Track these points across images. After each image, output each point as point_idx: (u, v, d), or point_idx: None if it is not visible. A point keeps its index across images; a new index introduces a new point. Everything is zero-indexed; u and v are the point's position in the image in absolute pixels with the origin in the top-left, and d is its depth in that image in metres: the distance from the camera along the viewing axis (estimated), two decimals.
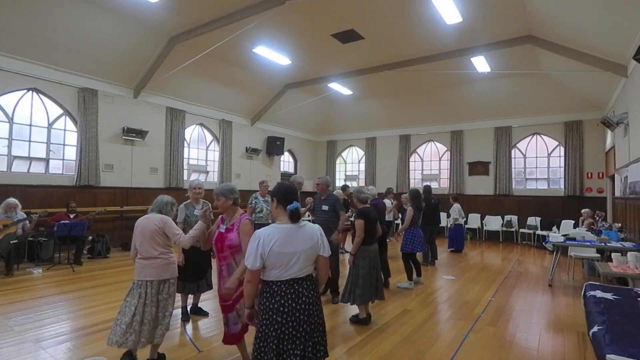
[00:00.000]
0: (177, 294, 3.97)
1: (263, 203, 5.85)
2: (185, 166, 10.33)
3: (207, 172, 11.18)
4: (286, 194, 2.13)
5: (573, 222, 9.56)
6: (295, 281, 2.01)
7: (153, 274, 2.83)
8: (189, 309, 4.10)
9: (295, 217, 2.06)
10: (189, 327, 3.82)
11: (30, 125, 7.48)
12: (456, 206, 8.95)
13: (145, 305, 2.78)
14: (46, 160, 7.71)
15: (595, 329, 2.60)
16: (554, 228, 9.81)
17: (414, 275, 5.79)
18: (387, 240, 6.34)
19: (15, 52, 6.96)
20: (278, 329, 1.94)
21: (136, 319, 2.72)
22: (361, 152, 14.88)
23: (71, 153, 8.06)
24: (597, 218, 7.96)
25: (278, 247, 1.96)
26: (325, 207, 4.62)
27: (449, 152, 12.50)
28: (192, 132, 10.79)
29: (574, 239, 6.03)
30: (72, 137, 8.08)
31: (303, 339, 1.97)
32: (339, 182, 15.24)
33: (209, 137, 11.33)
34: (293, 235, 2.02)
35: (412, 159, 13.39)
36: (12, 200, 6.21)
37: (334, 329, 3.81)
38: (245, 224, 2.59)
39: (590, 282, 3.93)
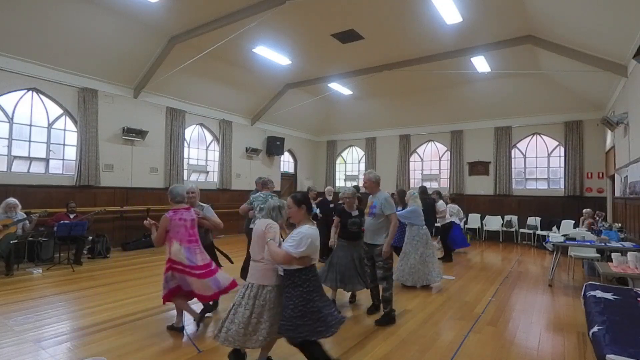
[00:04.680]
0: None
1: None
2: (185, 166, 10.33)
3: (207, 172, 11.18)
4: None
5: (573, 222, 9.56)
6: None
7: (254, 277, 2.77)
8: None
9: None
10: (189, 327, 3.82)
11: (30, 125, 7.48)
12: (454, 206, 8.90)
13: (239, 305, 2.73)
14: (46, 160, 7.71)
15: (595, 329, 2.60)
16: (554, 228, 9.80)
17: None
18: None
19: (15, 52, 6.96)
20: None
21: (229, 318, 2.74)
22: (361, 152, 14.88)
23: (71, 153, 8.06)
24: (597, 218, 7.96)
25: None
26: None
27: (449, 152, 12.50)
28: (192, 132, 10.79)
29: (574, 239, 6.03)
30: (72, 137, 8.08)
31: None
32: (339, 182, 15.26)
33: (209, 137, 11.33)
34: None
35: (412, 159, 13.38)
36: (12, 200, 6.21)
37: None
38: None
39: (590, 282, 3.94)
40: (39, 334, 3.55)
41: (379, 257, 3.98)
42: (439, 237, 8.29)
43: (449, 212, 8.38)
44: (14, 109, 7.26)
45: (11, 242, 5.90)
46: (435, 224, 8.51)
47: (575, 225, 9.14)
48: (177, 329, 3.66)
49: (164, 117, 9.74)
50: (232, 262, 4.62)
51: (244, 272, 4.73)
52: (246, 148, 12.18)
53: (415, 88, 11.55)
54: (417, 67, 9.18)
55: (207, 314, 4.06)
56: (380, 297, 4.10)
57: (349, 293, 4.79)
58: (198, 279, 3.46)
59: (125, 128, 8.68)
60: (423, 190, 7.91)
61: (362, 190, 4.72)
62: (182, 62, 8.30)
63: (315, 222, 2.77)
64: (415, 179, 13.29)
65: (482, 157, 11.82)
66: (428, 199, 7.88)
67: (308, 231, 2.55)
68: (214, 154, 11.45)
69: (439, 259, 7.72)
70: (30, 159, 7.47)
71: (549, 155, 11.04)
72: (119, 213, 8.61)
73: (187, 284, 3.49)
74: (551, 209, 10.56)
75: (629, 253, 4.63)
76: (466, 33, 7.63)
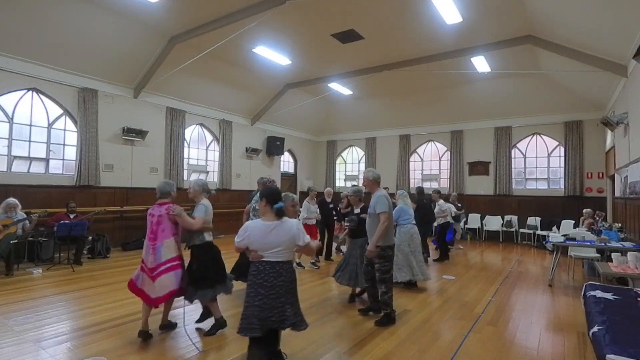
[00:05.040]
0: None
1: None
2: (185, 166, 10.34)
3: (207, 172, 11.18)
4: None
5: (573, 222, 9.56)
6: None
7: None
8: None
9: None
10: (189, 327, 3.81)
11: (30, 125, 7.48)
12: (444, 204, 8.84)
13: None
14: (46, 160, 7.71)
15: (595, 329, 2.60)
16: (554, 228, 9.81)
17: None
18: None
19: (15, 52, 6.96)
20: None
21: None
22: (361, 152, 14.88)
23: (71, 153, 8.06)
24: (597, 218, 7.96)
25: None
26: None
27: (449, 152, 12.51)
28: (192, 132, 10.79)
29: (574, 239, 6.03)
30: (72, 137, 8.08)
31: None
32: (339, 182, 15.26)
33: (209, 137, 11.33)
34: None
35: (412, 159, 13.39)
36: (12, 200, 6.21)
37: (334, 329, 3.82)
38: None
39: (590, 282, 3.93)
40: (39, 334, 3.55)
41: (376, 259, 3.99)
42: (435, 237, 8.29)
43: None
44: (14, 109, 7.26)
45: (11, 242, 5.90)
46: (434, 224, 8.51)
47: (575, 225, 9.14)
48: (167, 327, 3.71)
49: (164, 117, 9.73)
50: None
51: (236, 272, 4.67)
52: (246, 148, 12.18)
53: (415, 88, 11.55)
54: (417, 67, 9.18)
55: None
56: (380, 299, 4.08)
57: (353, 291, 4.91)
58: (148, 279, 3.45)
59: (125, 128, 8.68)
60: (420, 191, 7.96)
61: (363, 190, 4.72)
62: (182, 62, 8.30)
63: (280, 218, 2.65)
64: (415, 179, 13.29)
65: (482, 157, 11.82)
66: (425, 199, 7.91)
67: (250, 223, 2.64)
68: (214, 154, 11.45)
69: (434, 260, 7.73)
70: (30, 159, 7.46)
71: (549, 155, 11.04)
72: (119, 213, 8.61)
73: (142, 281, 3.49)
74: (551, 209, 10.56)
75: (629, 253, 4.63)
76: (466, 33, 7.63)
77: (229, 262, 4.89)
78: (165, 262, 3.43)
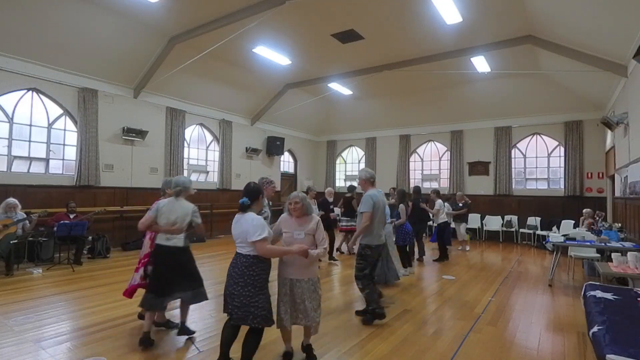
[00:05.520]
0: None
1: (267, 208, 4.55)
2: (185, 166, 10.33)
3: (207, 172, 11.18)
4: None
5: (573, 222, 9.56)
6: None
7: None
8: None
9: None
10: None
11: (30, 125, 7.48)
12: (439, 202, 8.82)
13: None
14: (46, 160, 7.71)
15: (595, 329, 2.60)
16: (554, 228, 9.81)
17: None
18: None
19: (15, 52, 6.96)
20: None
21: None
22: (361, 152, 14.88)
23: (71, 153, 8.06)
24: (597, 218, 7.96)
25: None
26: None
27: (449, 152, 12.51)
28: (192, 132, 10.79)
29: (574, 239, 6.03)
30: (72, 137, 8.08)
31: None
32: (339, 182, 15.27)
33: (209, 137, 11.33)
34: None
35: (412, 159, 13.39)
36: (12, 200, 6.20)
37: (334, 329, 3.82)
38: None
39: (590, 282, 3.93)
40: (39, 334, 3.55)
41: (356, 256, 4.16)
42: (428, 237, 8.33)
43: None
44: (14, 109, 7.26)
45: (11, 242, 5.89)
46: (433, 224, 8.52)
47: (575, 225, 9.13)
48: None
49: (164, 117, 9.73)
50: None
51: None
52: (246, 148, 12.18)
53: (415, 88, 11.55)
54: (417, 67, 9.18)
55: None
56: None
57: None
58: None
59: (125, 128, 8.68)
60: (416, 190, 8.04)
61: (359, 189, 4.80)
62: (182, 62, 8.31)
63: (243, 212, 2.85)
64: (415, 179, 13.29)
65: (482, 157, 11.82)
66: (421, 199, 7.94)
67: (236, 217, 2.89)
68: (214, 154, 11.45)
69: (434, 260, 7.74)
70: (30, 159, 7.46)
71: (549, 155, 11.04)
72: (119, 213, 8.61)
73: None
74: (551, 209, 10.56)
75: (629, 253, 4.63)
76: (466, 33, 7.63)
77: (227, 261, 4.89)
78: (140, 259, 3.66)
